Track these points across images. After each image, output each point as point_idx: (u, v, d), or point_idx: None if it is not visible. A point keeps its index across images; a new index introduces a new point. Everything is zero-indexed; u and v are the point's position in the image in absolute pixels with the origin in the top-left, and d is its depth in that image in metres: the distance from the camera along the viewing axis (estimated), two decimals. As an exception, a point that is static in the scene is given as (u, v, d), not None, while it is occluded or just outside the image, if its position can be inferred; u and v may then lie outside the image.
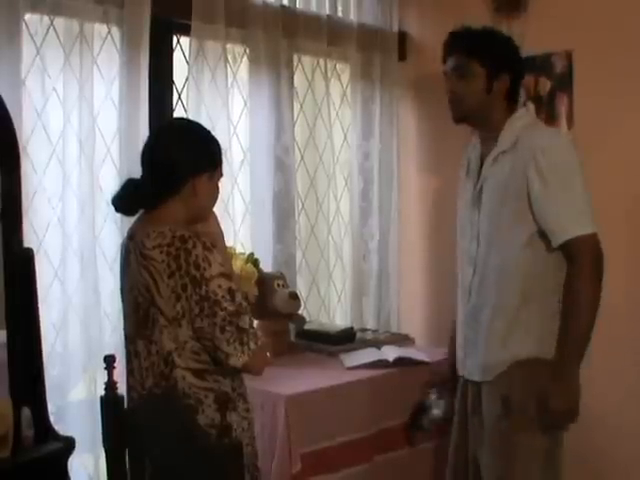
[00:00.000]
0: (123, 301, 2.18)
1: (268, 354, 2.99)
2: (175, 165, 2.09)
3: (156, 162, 2.13)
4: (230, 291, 2.00)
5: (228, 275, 2.03)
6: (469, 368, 2.56)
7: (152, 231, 2.04)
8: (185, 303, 1.99)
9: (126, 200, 2.13)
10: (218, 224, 2.26)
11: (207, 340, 2.01)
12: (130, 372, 2.14)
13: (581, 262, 2.37)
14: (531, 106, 2.71)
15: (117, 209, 2.15)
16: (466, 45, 2.53)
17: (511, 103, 2.54)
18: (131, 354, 2.12)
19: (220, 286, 1.99)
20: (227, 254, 2.34)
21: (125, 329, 2.17)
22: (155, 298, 2.02)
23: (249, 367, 2.05)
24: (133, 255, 2.08)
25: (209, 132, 2.20)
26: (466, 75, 2.50)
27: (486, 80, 2.49)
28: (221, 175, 2.20)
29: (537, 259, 2.44)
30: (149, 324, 2.04)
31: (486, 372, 2.50)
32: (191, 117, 3.11)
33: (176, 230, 2.02)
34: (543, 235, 2.42)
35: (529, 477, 2.43)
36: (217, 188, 2.19)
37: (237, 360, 2.01)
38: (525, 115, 2.58)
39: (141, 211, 2.15)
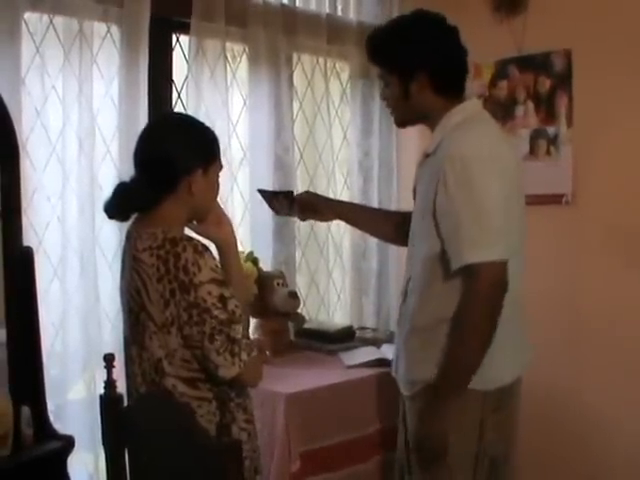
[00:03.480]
0: (121, 303, 2.09)
1: (268, 353, 3.05)
2: (165, 163, 1.96)
3: (145, 161, 2.00)
4: (222, 298, 1.89)
5: (220, 281, 1.90)
6: (399, 376, 2.44)
7: (144, 232, 1.94)
8: (174, 309, 1.88)
9: (118, 205, 1.98)
10: (232, 231, 2.12)
11: (197, 349, 1.90)
12: (127, 376, 2.07)
13: (473, 290, 2.12)
14: (475, 100, 2.38)
15: (109, 216, 2.00)
16: (373, 55, 2.36)
17: (450, 95, 2.28)
18: (128, 358, 2.05)
19: (210, 293, 1.87)
20: (239, 263, 2.19)
21: (123, 332, 2.10)
22: (145, 303, 1.92)
23: (240, 380, 1.95)
24: (127, 257, 2.00)
25: (199, 124, 2.07)
26: (386, 83, 2.34)
27: (399, 86, 2.28)
28: (220, 168, 2.06)
29: (447, 279, 2.19)
30: (140, 329, 1.96)
31: (405, 386, 2.39)
32: (190, 115, 3.10)
33: (168, 232, 1.91)
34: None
35: None
36: (216, 183, 2.06)
37: (227, 371, 1.90)
38: (462, 111, 2.27)
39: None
